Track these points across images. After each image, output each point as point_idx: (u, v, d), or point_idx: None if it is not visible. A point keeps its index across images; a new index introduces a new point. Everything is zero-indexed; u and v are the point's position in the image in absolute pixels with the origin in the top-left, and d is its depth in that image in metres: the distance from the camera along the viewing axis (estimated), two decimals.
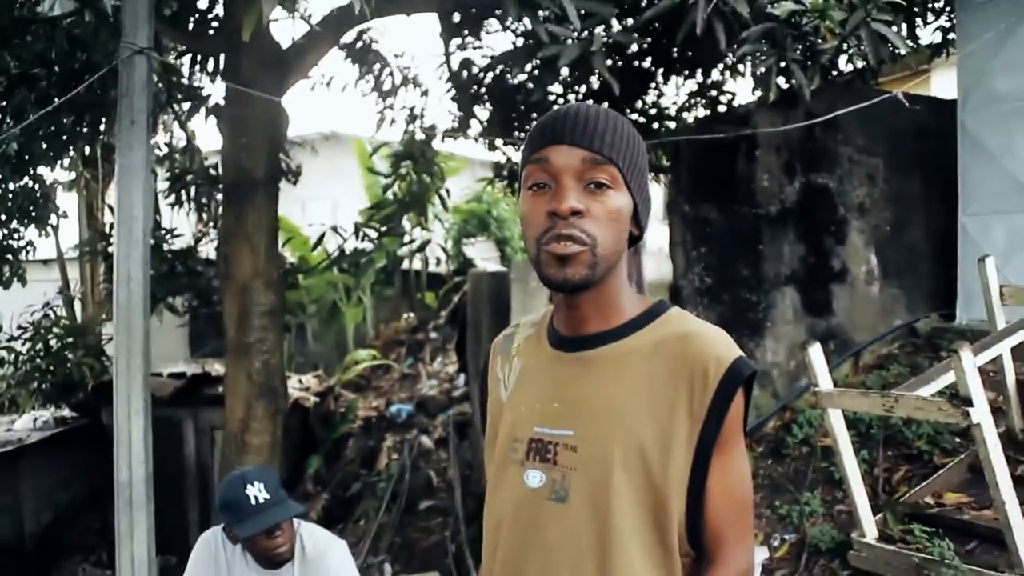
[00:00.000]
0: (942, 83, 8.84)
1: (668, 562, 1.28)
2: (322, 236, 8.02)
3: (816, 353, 3.90)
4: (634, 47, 6.13)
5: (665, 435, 1.26)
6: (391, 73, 7.29)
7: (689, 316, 1.38)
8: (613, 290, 1.35)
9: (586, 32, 4.02)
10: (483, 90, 6.75)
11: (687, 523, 1.28)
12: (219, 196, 7.69)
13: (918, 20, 6.14)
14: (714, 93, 7.04)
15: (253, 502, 2.49)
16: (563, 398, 1.36)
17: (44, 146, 7.00)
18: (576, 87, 6.74)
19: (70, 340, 6.68)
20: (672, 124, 7.15)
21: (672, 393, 1.27)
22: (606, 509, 1.27)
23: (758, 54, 4.00)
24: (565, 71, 6.27)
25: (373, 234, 7.86)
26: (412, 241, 10.21)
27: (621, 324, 1.35)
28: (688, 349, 1.28)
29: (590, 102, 1.41)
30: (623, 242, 1.33)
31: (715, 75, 7.01)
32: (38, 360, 6.66)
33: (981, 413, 3.28)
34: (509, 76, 6.31)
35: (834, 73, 6.22)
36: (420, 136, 7.61)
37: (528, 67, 5.86)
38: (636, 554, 1.27)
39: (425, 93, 7.43)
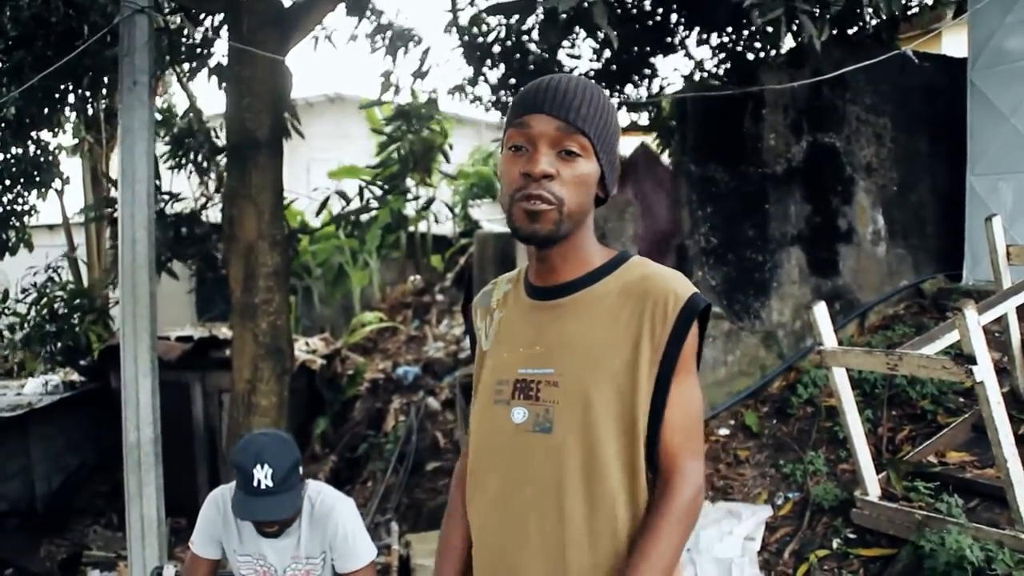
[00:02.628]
0: (952, 41, 8.73)
1: (637, 481, 1.45)
2: (325, 201, 7.98)
3: (821, 313, 3.90)
4: (647, 4, 6.04)
5: (633, 364, 1.43)
6: (394, 29, 7.18)
7: (649, 261, 1.55)
8: (580, 243, 1.52)
9: None
10: (493, 48, 6.66)
11: (646, 444, 1.44)
12: (221, 159, 7.67)
13: None
14: (730, 48, 6.93)
15: (256, 484, 2.42)
16: (543, 341, 1.52)
17: (44, 109, 6.96)
18: (577, 49, 6.65)
19: (76, 303, 6.66)
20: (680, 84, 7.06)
21: (636, 327, 1.44)
22: (588, 435, 1.44)
23: (767, 5, 3.93)
24: (574, 32, 6.21)
25: (378, 192, 7.81)
26: (417, 198, 10.15)
27: (589, 272, 1.52)
28: (649, 287, 1.46)
29: (577, 75, 1.58)
30: (588, 204, 1.50)
31: (734, 36, 6.90)
32: (44, 325, 6.64)
33: (985, 371, 3.28)
34: (513, 27, 6.22)
35: (849, 25, 6.12)
36: (424, 96, 7.54)
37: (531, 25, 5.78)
38: (617, 474, 1.44)
39: (427, 52, 7.33)
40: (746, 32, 6.44)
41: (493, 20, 6.65)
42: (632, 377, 1.43)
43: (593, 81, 1.52)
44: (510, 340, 1.60)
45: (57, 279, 7.35)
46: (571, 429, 1.45)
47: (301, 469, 2.57)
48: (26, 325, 6.66)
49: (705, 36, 6.60)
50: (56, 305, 6.71)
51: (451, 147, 8.51)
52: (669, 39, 6.51)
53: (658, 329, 1.43)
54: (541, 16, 5.68)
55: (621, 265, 1.54)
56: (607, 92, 1.53)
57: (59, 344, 6.61)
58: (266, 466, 2.42)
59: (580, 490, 1.45)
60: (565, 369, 1.48)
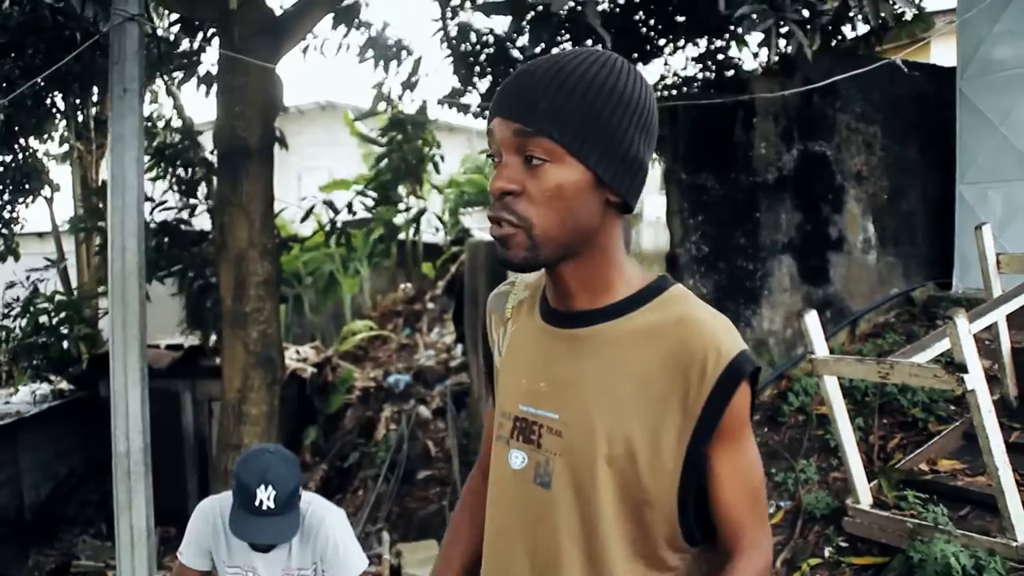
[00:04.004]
0: (941, 50, 8.78)
1: (654, 556, 1.22)
2: (310, 210, 7.98)
3: (812, 321, 3.90)
4: (639, 14, 6.06)
5: (655, 427, 1.16)
6: (383, 41, 7.21)
7: (692, 298, 1.25)
8: (598, 265, 1.22)
9: None
10: (482, 58, 6.68)
11: (681, 518, 1.20)
12: (205, 168, 7.66)
13: None
14: (720, 58, 6.96)
15: (258, 504, 2.38)
16: (550, 377, 1.26)
17: (33, 117, 6.94)
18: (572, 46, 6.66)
19: (63, 316, 6.59)
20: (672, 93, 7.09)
21: (666, 383, 1.16)
22: (589, 499, 1.20)
23: (757, 15, 3.95)
24: (561, 37, 6.22)
25: (369, 203, 7.82)
26: (408, 209, 10.16)
27: (615, 303, 1.23)
28: (686, 336, 1.17)
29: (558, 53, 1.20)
30: (580, 219, 1.16)
31: (717, 44, 6.93)
32: (31, 337, 6.55)
33: (976, 380, 3.28)
34: (507, 31, 6.23)
35: (837, 39, 6.16)
36: (415, 106, 7.56)
37: (525, 41, 5.78)
38: (619, 546, 1.21)
39: (418, 63, 7.35)
40: (735, 41, 6.48)
41: (481, 27, 6.67)
42: (652, 443, 1.17)
43: (587, 57, 1.17)
44: (516, 365, 1.34)
45: (43, 291, 7.25)
46: (572, 491, 1.22)
47: (301, 489, 2.55)
48: (11, 338, 6.57)
49: (695, 44, 6.63)
50: (42, 318, 6.63)
51: (442, 158, 8.52)
52: (657, 45, 6.53)
53: (692, 393, 1.14)
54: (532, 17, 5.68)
55: (656, 297, 1.23)
56: (617, 66, 1.18)
57: (45, 358, 6.52)
58: (270, 487, 2.39)
59: (578, 567, 1.23)
60: (572, 418, 1.22)
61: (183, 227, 7.56)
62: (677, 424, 1.15)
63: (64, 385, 9.42)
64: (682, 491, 1.18)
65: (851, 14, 4.67)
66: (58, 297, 6.83)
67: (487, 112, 6.88)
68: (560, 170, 1.13)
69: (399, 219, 11.84)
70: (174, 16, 6.90)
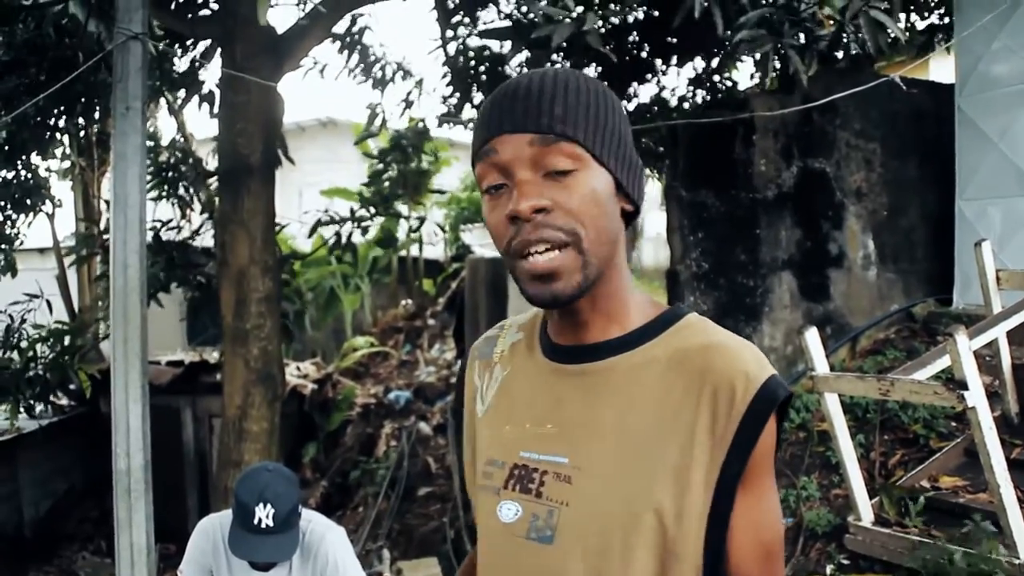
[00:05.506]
0: (940, 67, 8.82)
1: None
2: (316, 224, 8.00)
3: (813, 338, 3.90)
4: (632, 35, 6.11)
5: (682, 467, 1.03)
6: (384, 65, 7.28)
7: (710, 324, 1.14)
8: (614, 287, 1.11)
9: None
10: (481, 76, 6.73)
11: (705, 568, 1.05)
12: (208, 187, 7.68)
13: (916, 6, 6.13)
14: (716, 78, 7.03)
15: (256, 522, 2.39)
16: (559, 419, 1.12)
17: (36, 134, 6.96)
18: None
19: (59, 346, 6.48)
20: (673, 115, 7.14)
21: (691, 415, 1.04)
22: (605, 555, 1.04)
23: (755, 40, 3.98)
24: (560, 59, 6.25)
25: (371, 211, 7.84)
26: (408, 218, 10.19)
27: (629, 332, 1.12)
28: (711, 364, 1.05)
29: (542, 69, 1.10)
30: (613, 229, 1.08)
31: (713, 64, 7.00)
32: (23, 371, 6.39)
33: (976, 397, 3.29)
34: (506, 57, 6.28)
35: (835, 58, 6.20)
36: (413, 122, 7.61)
37: (523, 56, 5.83)
38: None
39: (419, 84, 7.41)
40: (729, 61, 6.54)
41: (478, 44, 6.72)
42: (680, 484, 1.03)
43: (573, 70, 1.11)
44: (514, 411, 1.19)
45: (34, 320, 7.06)
46: (581, 547, 1.05)
47: (300, 508, 2.55)
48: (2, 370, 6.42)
49: (691, 63, 6.68)
50: (36, 349, 6.51)
51: (445, 165, 8.56)
52: (652, 66, 6.58)
53: (721, 423, 1.03)
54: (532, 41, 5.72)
55: (671, 326, 1.12)
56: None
57: (39, 390, 6.41)
58: (268, 505, 2.39)
59: None
60: (584, 461, 1.08)
61: (191, 245, 7.58)
62: (705, 459, 1.03)
63: (64, 401, 9.41)
64: (710, 534, 1.04)
65: (847, 39, 4.70)
66: (54, 326, 6.71)
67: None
68: (590, 175, 1.04)
69: (400, 232, 11.87)
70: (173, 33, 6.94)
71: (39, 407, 6.78)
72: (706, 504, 1.03)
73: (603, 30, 4.08)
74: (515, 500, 1.12)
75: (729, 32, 4.07)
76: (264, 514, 2.38)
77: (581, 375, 1.12)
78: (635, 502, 1.04)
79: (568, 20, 3.79)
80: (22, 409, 6.41)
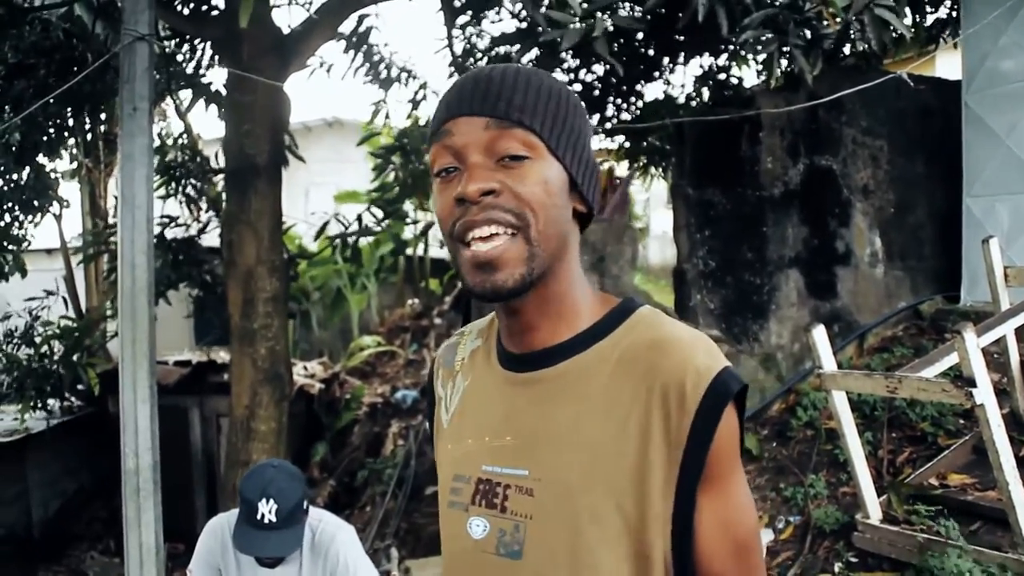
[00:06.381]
0: (946, 64, 8.80)
1: None
2: (324, 225, 8.00)
3: (820, 335, 3.90)
4: (639, 34, 6.10)
5: (640, 470, 1.00)
6: (389, 64, 7.29)
7: (661, 317, 1.09)
8: (563, 287, 1.08)
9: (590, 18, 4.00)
10: None
11: (676, 570, 1.03)
12: (215, 185, 7.70)
13: (923, 3, 6.11)
14: (722, 77, 7.02)
15: (259, 518, 2.41)
16: (516, 430, 1.09)
17: (44, 135, 6.99)
18: (579, 73, 6.72)
19: (69, 343, 6.55)
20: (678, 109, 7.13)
21: (644, 417, 1.01)
22: (576, 567, 1.02)
23: (760, 40, 3.98)
24: (569, 57, 6.26)
25: (379, 214, 7.84)
26: (416, 223, 10.19)
27: (578, 333, 1.08)
28: (659, 360, 1.02)
29: (524, 64, 1.04)
30: (562, 223, 1.05)
31: (720, 61, 6.99)
32: (35, 367, 6.48)
33: (984, 394, 3.28)
34: (513, 58, 6.29)
35: (841, 57, 6.19)
36: (418, 123, 7.62)
37: (531, 55, 5.83)
38: None
39: (424, 85, 7.43)
40: (735, 60, 6.53)
41: (485, 44, 6.72)
42: (640, 487, 1.00)
43: (537, 68, 1.10)
44: (475, 423, 1.16)
45: (44, 316, 7.17)
46: (550, 560, 1.03)
47: (307, 504, 2.56)
48: (14, 368, 6.51)
49: (699, 60, 6.67)
50: (45, 348, 6.59)
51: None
52: (658, 64, 6.58)
53: (674, 423, 0.99)
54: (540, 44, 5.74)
55: (623, 322, 1.09)
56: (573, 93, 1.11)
57: (50, 387, 6.48)
58: (271, 501, 2.41)
59: None
60: (544, 472, 1.05)
61: (197, 243, 7.60)
62: (662, 461, 1.00)
63: (72, 401, 9.44)
64: (675, 536, 1.01)
65: (852, 37, 4.70)
66: (64, 323, 6.79)
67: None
68: (543, 165, 1.02)
69: (407, 233, 11.86)
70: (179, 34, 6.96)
71: (54, 403, 6.84)
72: (668, 507, 1.01)
73: (611, 28, 4.08)
74: (482, 516, 1.09)
75: (736, 32, 4.06)
76: (267, 509, 2.40)
77: (533, 383, 1.09)
78: (598, 511, 1.01)
79: (575, 26, 3.79)
80: (38, 405, 6.47)
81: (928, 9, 6.53)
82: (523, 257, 1.00)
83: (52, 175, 8.20)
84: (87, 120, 7.39)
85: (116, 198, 4.34)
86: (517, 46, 5.82)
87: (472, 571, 1.10)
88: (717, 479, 1.02)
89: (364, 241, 8.62)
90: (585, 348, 1.08)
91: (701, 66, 6.93)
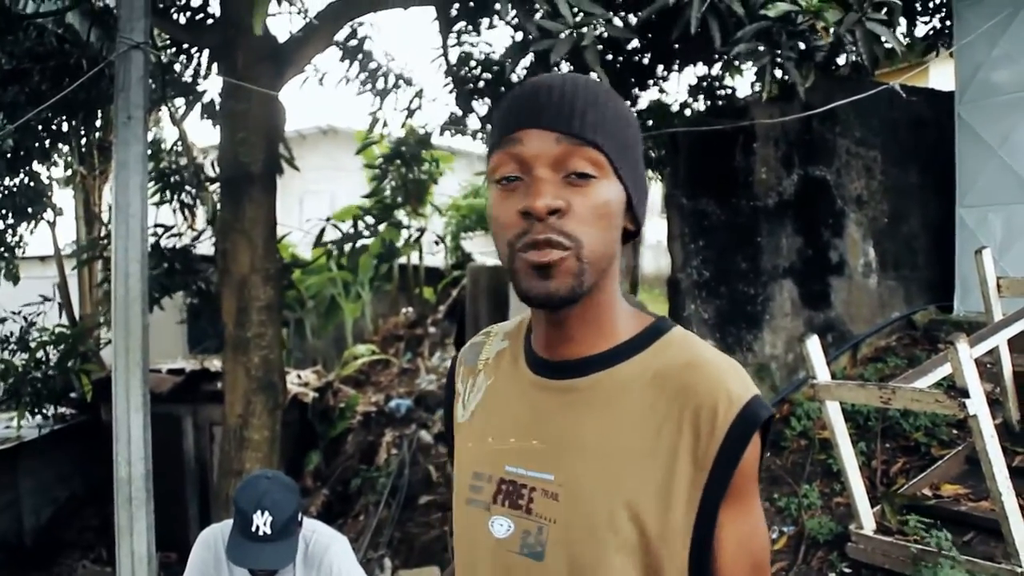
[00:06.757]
0: (939, 75, 8.85)
1: None
2: (322, 232, 8.00)
3: (814, 345, 3.90)
4: (633, 43, 6.12)
5: (665, 485, 1.04)
6: (385, 73, 7.30)
7: (695, 340, 1.14)
8: (605, 303, 1.11)
9: (582, 28, 4.00)
10: (480, 84, 6.74)
11: None
12: (209, 193, 7.69)
13: (916, 15, 6.14)
14: (714, 87, 7.04)
15: (254, 530, 2.40)
16: (544, 435, 1.12)
17: (38, 142, 6.98)
18: None
19: (63, 348, 6.55)
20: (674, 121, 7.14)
21: (674, 435, 1.05)
22: (594, 572, 1.06)
23: (752, 52, 3.99)
24: (564, 67, 6.27)
25: (371, 221, 7.84)
26: (408, 227, 10.19)
27: (614, 347, 1.12)
28: (694, 383, 1.06)
29: (572, 73, 1.08)
30: (616, 242, 1.09)
31: (714, 70, 7.01)
32: (31, 372, 6.48)
33: (977, 404, 3.29)
34: (507, 68, 6.31)
35: (834, 68, 6.22)
36: (416, 132, 7.63)
37: (525, 62, 5.84)
38: None
39: (420, 93, 7.44)
40: (729, 69, 6.54)
41: (479, 52, 6.74)
42: (663, 503, 1.04)
43: (599, 82, 1.13)
44: (498, 423, 1.19)
45: (40, 323, 7.18)
46: (569, 563, 1.07)
47: (301, 516, 2.55)
48: (12, 373, 6.51)
49: (693, 68, 6.69)
50: (40, 353, 6.58)
51: (440, 174, 8.56)
52: (652, 72, 6.59)
53: (703, 443, 1.03)
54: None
55: (656, 340, 1.12)
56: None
57: (45, 391, 6.47)
58: (266, 513, 2.40)
59: None
60: (570, 479, 1.08)
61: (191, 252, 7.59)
62: (688, 478, 1.04)
63: (65, 409, 9.40)
64: (694, 553, 1.05)
65: (845, 51, 4.71)
66: (59, 330, 6.78)
67: (486, 134, 6.95)
68: (607, 186, 1.05)
69: (400, 240, 11.88)
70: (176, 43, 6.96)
71: (49, 409, 6.83)
72: (689, 522, 1.04)
73: (604, 34, 4.08)
74: (506, 516, 1.12)
75: (727, 45, 4.08)
76: (262, 521, 2.39)
77: (566, 391, 1.12)
78: (619, 521, 1.05)
79: (566, 36, 3.79)
80: (35, 411, 6.46)
81: (922, 20, 6.56)
82: (574, 271, 1.03)
83: (46, 182, 8.19)
84: (82, 127, 7.38)
85: (110, 206, 4.33)
86: (508, 61, 5.84)
87: (493, 569, 1.13)
88: (738, 498, 1.06)
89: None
90: (619, 362, 1.11)
91: (695, 75, 6.95)
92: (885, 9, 3.82)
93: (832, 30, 3.82)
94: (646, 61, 6.42)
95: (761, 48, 3.89)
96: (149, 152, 7.72)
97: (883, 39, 3.90)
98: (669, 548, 1.04)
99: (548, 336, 1.14)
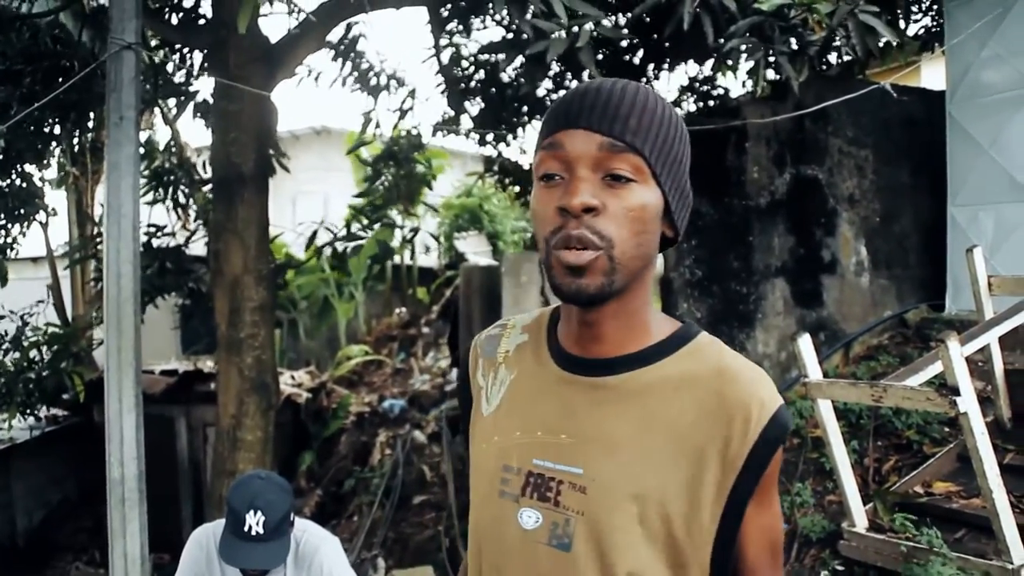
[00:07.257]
0: (931, 74, 8.87)
1: None
2: (314, 234, 7.99)
3: (806, 344, 3.91)
4: (624, 42, 6.12)
5: (692, 484, 1.09)
6: (377, 73, 7.29)
7: (722, 346, 1.20)
8: (637, 304, 1.15)
9: (575, 28, 4.01)
10: (473, 84, 6.75)
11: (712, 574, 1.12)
12: (202, 193, 7.68)
13: (905, 11, 6.16)
14: (705, 88, 7.05)
15: (246, 530, 2.40)
16: (573, 430, 1.15)
17: (30, 143, 6.96)
18: (564, 82, 6.74)
19: (56, 349, 6.53)
20: None
21: (704, 437, 1.09)
22: (616, 563, 1.09)
23: (746, 47, 4.00)
24: (555, 66, 6.28)
25: (365, 221, 7.84)
26: (401, 227, 10.18)
27: (643, 349, 1.16)
28: (727, 389, 1.11)
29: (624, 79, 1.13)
30: (650, 246, 1.11)
31: (705, 69, 7.02)
32: (23, 372, 6.46)
33: (968, 402, 3.30)
34: (500, 66, 6.30)
35: (824, 67, 6.24)
36: (409, 132, 7.62)
37: (517, 63, 5.85)
38: None
39: (412, 93, 7.43)
40: (721, 68, 6.54)
41: (471, 52, 6.75)
42: (690, 501, 1.09)
43: (647, 87, 1.15)
44: (525, 417, 1.21)
45: (34, 323, 7.17)
46: (596, 554, 1.10)
47: (293, 516, 2.55)
48: (4, 373, 6.49)
49: (684, 67, 6.69)
50: (32, 352, 6.57)
51: (433, 178, 8.55)
52: (643, 71, 6.59)
53: (734, 445, 1.08)
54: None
55: (685, 345, 1.17)
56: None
57: (38, 391, 6.46)
58: (259, 513, 2.40)
59: None
60: (598, 473, 1.11)
61: (183, 252, 7.57)
62: (715, 478, 1.09)
63: (57, 411, 9.38)
64: (718, 547, 1.10)
65: (837, 44, 4.73)
66: (51, 330, 6.78)
67: (480, 135, 6.93)
68: (645, 191, 1.08)
69: (394, 240, 11.88)
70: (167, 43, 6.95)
71: (42, 410, 6.82)
72: (715, 521, 1.09)
73: (596, 34, 4.08)
74: (535, 508, 1.15)
75: (720, 41, 4.09)
76: (254, 521, 2.39)
77: (595, 388, 1.16)
78: (646, 516, 1.09)
79: (560, 36, 3.80)
80: (27, 412, 6.45)
81: (913, 17, 6.57)
82: (604, 269, 1.06)
83: (39, 183, 8.17)
84: (74, 128, 7.36)
85: (103, 206, 4.32)
86: (503, 55, 5.84)
87: (522, 559, 1.16)
88: (763, 495, 1.12)
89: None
90: (649, 363, 1.15)
91: (687, 73, 6.96)
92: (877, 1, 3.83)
93: (825, 23, 3.83)
94: (637, 60, 6.42)
95: (754, 43, 3.90)
96: (142, 152, 7.72)
97: (876, 31, 3.91)
98: (694, 542, 1.09)
99: (579, 333, 1.18)
